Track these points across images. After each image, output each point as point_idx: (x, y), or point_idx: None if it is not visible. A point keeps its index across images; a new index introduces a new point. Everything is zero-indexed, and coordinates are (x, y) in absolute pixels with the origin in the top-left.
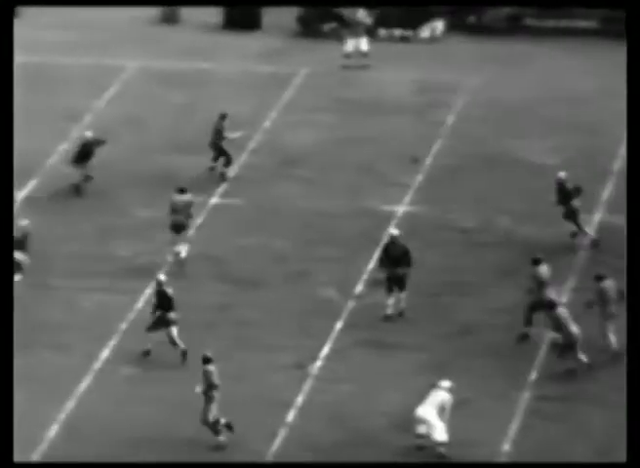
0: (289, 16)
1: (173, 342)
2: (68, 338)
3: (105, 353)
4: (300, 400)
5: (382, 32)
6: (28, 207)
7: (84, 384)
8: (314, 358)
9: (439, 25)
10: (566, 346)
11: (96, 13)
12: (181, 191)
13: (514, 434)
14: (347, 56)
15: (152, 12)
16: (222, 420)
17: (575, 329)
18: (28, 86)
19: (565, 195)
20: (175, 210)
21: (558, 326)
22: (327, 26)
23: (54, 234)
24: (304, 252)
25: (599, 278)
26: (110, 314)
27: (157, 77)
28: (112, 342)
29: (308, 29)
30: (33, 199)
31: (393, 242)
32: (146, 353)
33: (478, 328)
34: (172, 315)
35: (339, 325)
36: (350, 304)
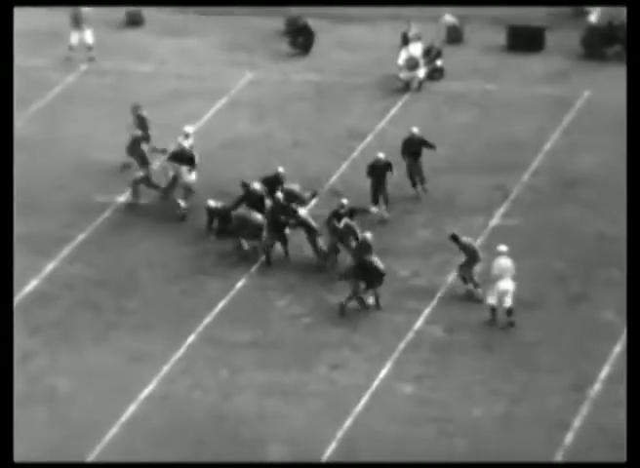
0: (573, 38)
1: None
2: (347, 357)
3: (384, 372)
4: (577, 422)
5: None
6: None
7: (363, 402)
8: (593, 380)
9: None
10: None
11: (372, 32)
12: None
13: None
14: None
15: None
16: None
17: None
18: (317, 105)
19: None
20: None
21: None
22: (611, 49)
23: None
24: (585, 274)
25: None
26: (389, 333)
27: (442, 97)
28: (390, 362)
29: (592, 52)
30: (315, 217)
31: None
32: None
33: None
34: None
35: (618, 348)
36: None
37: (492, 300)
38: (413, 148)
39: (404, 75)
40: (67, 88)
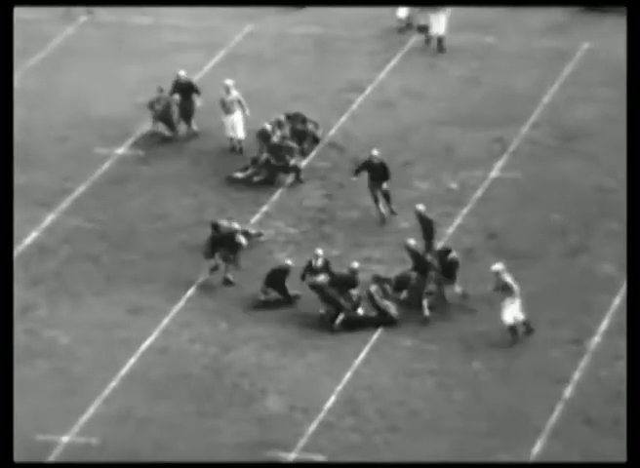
0: None
1: None
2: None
3: None
4: (577, 375)
5: None
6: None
7: (362, 356)
8: (592, 333)
9: None
10: None
11: None
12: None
13: None
14: None
15: None
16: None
17: None
18: (316, 58)
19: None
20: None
21: None
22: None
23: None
24: (584, 226)
25: None
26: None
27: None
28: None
29: (592, 4)
30: (314, 169)
31: None
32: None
33: None
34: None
35: (617, 300)
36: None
37: (511, 319)
38: (372, 170)
39: (402, 14)
40: (66, 40)
